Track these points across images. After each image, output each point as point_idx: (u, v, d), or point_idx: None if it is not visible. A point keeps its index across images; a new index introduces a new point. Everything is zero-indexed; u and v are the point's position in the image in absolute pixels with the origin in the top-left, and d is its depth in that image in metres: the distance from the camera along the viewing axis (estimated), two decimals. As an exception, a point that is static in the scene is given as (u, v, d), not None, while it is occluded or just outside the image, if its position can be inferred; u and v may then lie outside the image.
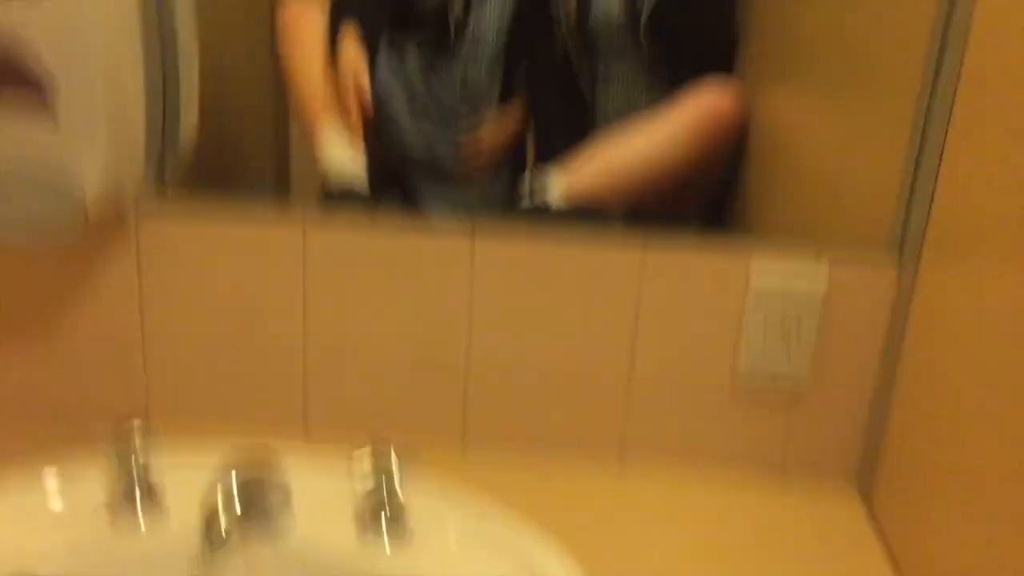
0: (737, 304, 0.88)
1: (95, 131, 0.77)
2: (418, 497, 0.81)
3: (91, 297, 0.91)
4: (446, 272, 0.89)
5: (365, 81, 0.95)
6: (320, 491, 0.82)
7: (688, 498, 0.90)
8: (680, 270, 0.87)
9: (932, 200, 0.82)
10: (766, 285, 0.86)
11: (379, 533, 0.78)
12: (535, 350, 0.91)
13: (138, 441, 0.78)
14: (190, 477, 0.78)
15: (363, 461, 0.78)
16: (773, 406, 0.91)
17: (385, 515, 0.78)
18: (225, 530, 0.68)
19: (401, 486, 0.78)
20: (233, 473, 0.73)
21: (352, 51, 0.95)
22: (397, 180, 0.98)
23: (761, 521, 0.87)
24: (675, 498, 0.90)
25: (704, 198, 0.95)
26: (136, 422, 0.80)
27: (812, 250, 0.86)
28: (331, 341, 0.92)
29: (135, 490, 0.79)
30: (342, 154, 0.95)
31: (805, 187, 0.91)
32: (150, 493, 0.79)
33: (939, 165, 0.81)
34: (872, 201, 0.87)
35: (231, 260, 0.89)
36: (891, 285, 0.86)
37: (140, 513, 0.79)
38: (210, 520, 0.69)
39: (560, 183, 0.92)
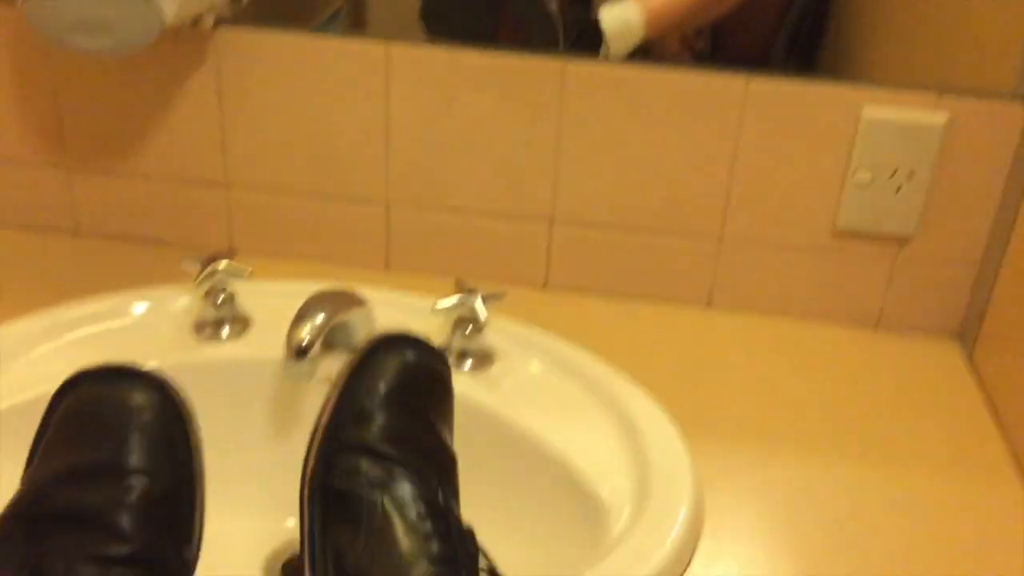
0: (845, 143, 0.82)
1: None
2: (500, 330, 0.80)
3: (171, 110, 0.89)
4: (536, 97, 0.84)
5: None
6: (403, 319, 0.81)
7: (778, 343, 0.87)
8: (785, 103, 0.81)
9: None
10: (878, 124, 0.80)
11: (461, 360, 0.78)
12: (623, 190, 0.87)
13: (223, 270, 0.78)
14: (275, 305, 0.78)
15: (447, 293, 0.77)
16: (876, 256, 0.86)
17: (467, 344, 0.77)
18: (308, 343, 0.68)
19: (484, 318, 0.76)
20: (317, 295, 0.72)
21: None
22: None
23: (855, 368, 0.85)
24: (763, 343, 0.87)
25: (793, 33, 0.88)
26: (222, 251, 0.80)
27: (930, 89, 0.80)
28: (413, 171, 0.89)
29: (221, 316, 0.79)
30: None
31: (921, 26, 0.84)
32: (236, 319, 0.80)
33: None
34: (996, 39, 0.79)
35: (311, 73, 0.86)
36: (1015, 129, 0.80)
37: (226, 334, 0.79)
38: (293, 336, 0.69)
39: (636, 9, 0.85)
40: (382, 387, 0.55)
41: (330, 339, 0.77)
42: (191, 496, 0.48)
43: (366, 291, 0.77)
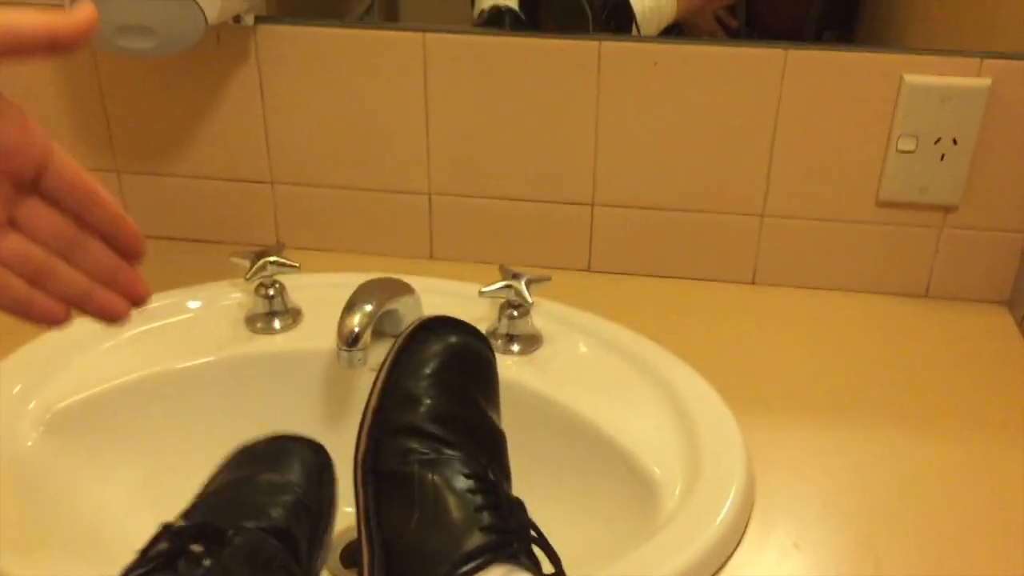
0: (887, 112, 0.81)
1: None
2: (546, 313, 0.81)
3: (215, 108, 0.90)
4: (572, 79, 0.84)
5: None
6: (450, 305, 0.82)
7: (825, 316, 0.87)
8: (825, 73, 0.81)
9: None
10: (920, 91, 0.80)
11: (509, 344, 0.78)
12: (663, 169, 0.87)
13: (273, 263, 0.79)
14: (324, 296, 0.79)
15: (492, 280, 0.78)
16: (921, 226, 0.86)
17: (514, 328, 0.78)
18: (358, 332, 0.69)
19: (530, 301, 0.77)
20: (366, 284, 0.73)
21: None
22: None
23: (904, 338, 0.84)
24: (810, 317, 0.87)
25: (826, 5, 0.87)
26: (270, 247, 0.81)
27: (972, 54, 0.79)
28: (454, 160, 0.90)
29: (273, 308, 0.81)
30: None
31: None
32: (287, 311, 0.81)
33: None
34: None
35: (350, 65, 0.87)
36: (1062, 92, 0.79)
37: (278, 326, 0.81)
38: (344, 325, 0.70)
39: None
40: (427, 370, 0.57)
41: (379, 327, 0.78)
42: (328, 517, 0.60)
43: (412, 280, 0.78)
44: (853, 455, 0.72)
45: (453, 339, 0.61)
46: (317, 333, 0.79)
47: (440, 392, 0.56)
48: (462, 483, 0.51)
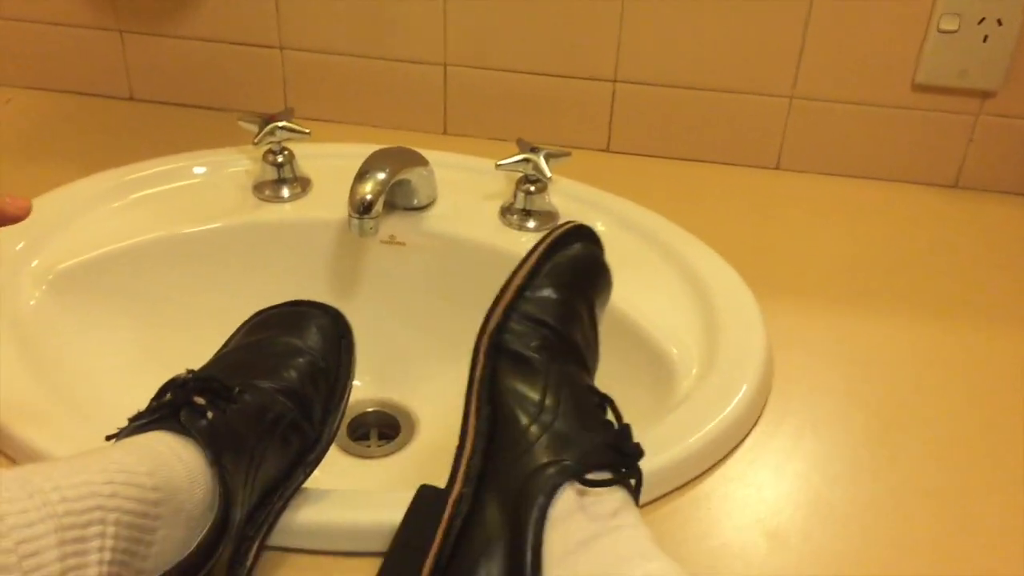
0: (931, -10, 0.77)
1: None
2: (563, 192, 0.79)
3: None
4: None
5: None
6: (465, 180, 0.80)
7: (850, 203, 0.84)
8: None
9: None
10: (969, -32, 0.76)
11: (524, 220, 0.76)
12: (688, 46, 0.83)
13: (282, 129, 0.77)
14: (334, 166, 0.77)
15: (507, 156, 0.75)
16: (957, 111, 0.82)
17: (531, 204, 0.76)
18: (371, 200, 0.67)
19: (549, 176, 0.74)
20: (379, 153, 0.71)
21: None
22: None
23: (932, 228, 0.82)
24: (835, 204, 0.84)
25: None
26: (280, 112, 0.78)
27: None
28: (472, 36, 0.86)
29: (281, 176, 0.78)
30: None
31: None
32: (296, 180, 0.79)
33: None
34: None
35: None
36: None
37: (286, 195, 0.78)
38: (356, 192, 0.68)
39: None
40: (569, 274, 0.57)
41: (391, 199, 0.76)
42: (344, 384, 0.59)
43: (425, 155, 0.75)
44: (874, 343, 0.70)
45: (597, 252, 0.60)
46: (327, 203, 0.77)
47: (573, 297, 0.56)
48: (585, 390, 0.53)
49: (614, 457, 0.49)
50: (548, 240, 0.57)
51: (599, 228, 0.76)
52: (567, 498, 0.46)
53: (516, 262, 0.64)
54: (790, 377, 0.67)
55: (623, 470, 0.48)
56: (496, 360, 0.53)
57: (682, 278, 0.72)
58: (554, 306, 0.55)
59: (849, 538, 0.57)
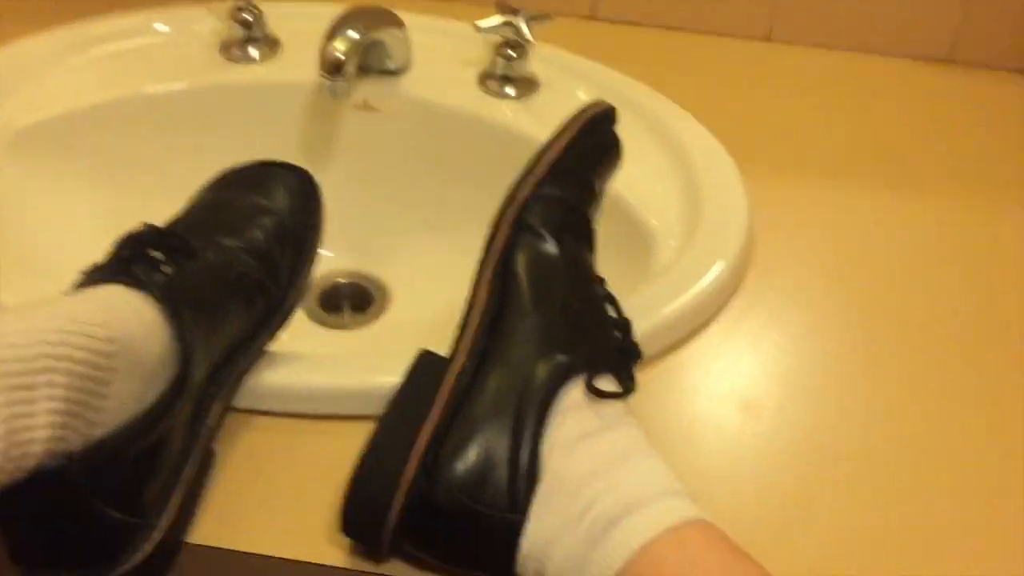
0: None
1: None
2: (544, 58, 0.76)
3: None
4: None
5: None
6: (442, 44, 0.77)
7: (840, 77, 0.82)
8: None
9: None
10: None
11: (503, 86, 0.74)
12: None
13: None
14: (305, 27, 0.73)
15: (489, 17, 0.72)
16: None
17: (510, 69, 0.73)
18: (342, 59, 0.64)
19: (530, 39, 0.71)
20: (352, 10, 0.67)
21: None
22: None
23: (922, 103, 0.80)
24: (825, 77, 0.82)
25: None
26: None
27: None
28: None
29: (250, 35, 0.74)
30: None
31: None
32: (264, 40, 0.75)
33: None
34: None
35: None
36: None
37: (255, 54, 0.75)
38: (327, 51, 0.65)
39: None
40: (591, 159, 0.56)
41: (365, 61, 0.73)
42: (311, 246, 0.56)
43: (400, 15, 0.72)
44: (861, 220, 0.69)
45: (619, 139, 0.58)
46: (297, 64, 0.74)
47: (595, 180, 0.56)
48: (595, 283, 0.52)
49: (620, 361, 0.48)
50: (584, 118, 0.55)
51: (580, 96, 0.74)
52: (574, 393, 0.45)
53: (494, 129, 0.62)
54: (773, 251, 0.66)
55: (627, 381, 0.47)
56: (517, 236, 0.51)
57: (665, 149, 0.70)
58: (581, 189, 0.53)
59: (824, 412, 0.56)
